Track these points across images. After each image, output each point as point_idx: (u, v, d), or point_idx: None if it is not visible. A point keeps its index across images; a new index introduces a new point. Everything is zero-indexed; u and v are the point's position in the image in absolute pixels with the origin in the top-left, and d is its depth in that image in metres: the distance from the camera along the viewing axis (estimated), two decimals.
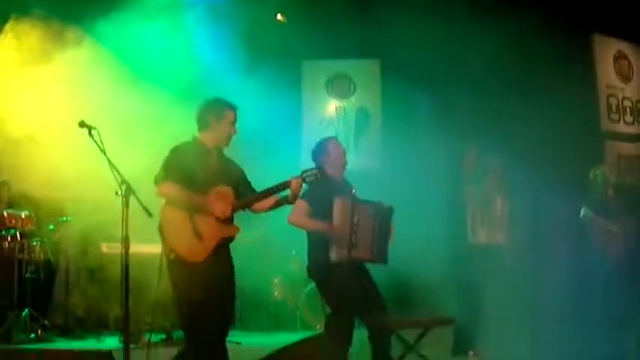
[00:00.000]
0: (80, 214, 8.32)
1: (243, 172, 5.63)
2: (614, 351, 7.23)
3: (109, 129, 5.07)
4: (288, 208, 6.03)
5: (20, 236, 8.54)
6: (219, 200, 5.22)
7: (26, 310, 8.34)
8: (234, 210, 5.37)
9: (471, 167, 7.49)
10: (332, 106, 11.55)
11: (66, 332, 8.73)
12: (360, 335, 6.29)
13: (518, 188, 7.87)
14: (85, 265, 9.18)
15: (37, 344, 7.96)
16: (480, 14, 9.31)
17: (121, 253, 4.75)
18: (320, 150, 6.46)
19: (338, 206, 6.06)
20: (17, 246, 8.50)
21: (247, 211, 5.64)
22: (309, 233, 6.28)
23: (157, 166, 5.28)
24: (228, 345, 8.74)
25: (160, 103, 7.45)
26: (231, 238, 5.41)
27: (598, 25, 11.39)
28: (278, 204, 5.62)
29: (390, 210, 6.30)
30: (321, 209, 6.13)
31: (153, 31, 8.36)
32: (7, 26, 7.86)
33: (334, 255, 6.06)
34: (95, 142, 4.81)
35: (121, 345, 4.86)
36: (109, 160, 4.76)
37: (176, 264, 5.17)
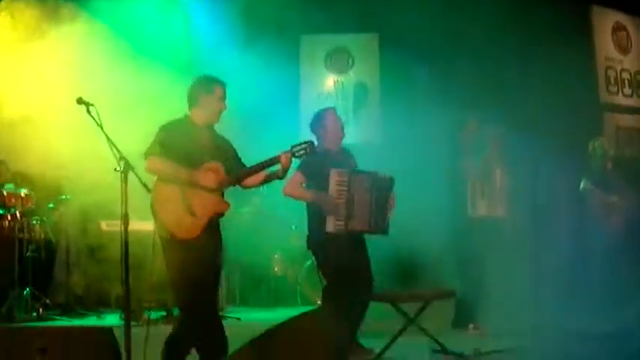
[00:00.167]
0: (79, 192, 8.31)
1: (233, 149, 5.63)
2: (614, 324, 7.24)
3: (107, 106, 5.04)
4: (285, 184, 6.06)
5: (20, 215, 8.53)
6: (207, 172, 5.23)
7: (27, 289, 8.36)
8: (224, 185, 5.38)
9: (471, 139, 7.46)
10: (330, 80, 11.51)
11: (67, 310, 8.75)
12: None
13: (517, 160, 7.85)
14: (85, 243, 9.19)
15: (39, 323, 7.98)
16: None
17: (121, 230, 4.74)
18: (317, 121, 6.45)
19: (333, 177, 6.07)
20: (17, 225, 8.49)
21: (238, 187, 5.64)
22: (308, 205, 6.28)
23: None
24: (227, 321, 8.82)
25: (158, 78, 7.42)
26: (222, 213, 5.41)
27: None
28: (268, 179, 5.63)
29: (389, 180, 6.29)
30: (317, 181, 6.14)
31: (150, 7, 8.31)
32: (2, 4, 7.80)
33: (330, 226, 6.07)
34: (93, 118, 4.77)
35: (122, 322, 4.85)
36: (107, 136, 4.74)
37: (170, 242, 5.17)
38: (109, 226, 8.23)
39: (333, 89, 11.46)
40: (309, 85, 11.43)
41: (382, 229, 6.28)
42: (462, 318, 7.43)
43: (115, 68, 7.47)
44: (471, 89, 9.53)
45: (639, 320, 7.44)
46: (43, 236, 8.78)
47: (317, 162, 6.10)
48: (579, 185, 8.59)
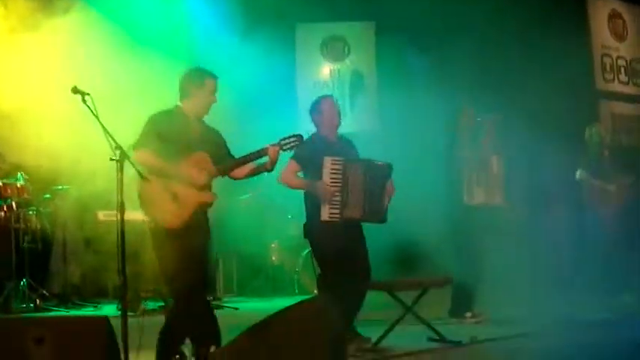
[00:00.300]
0: (75, 182, 8.29)
1: (223, 140, 5.63)
2: (610, 311, 7.26)
3: (103, 95, 5.02)
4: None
5: (16, 206, 8.52)
6: (194, 168, 5.23)
7: (24, 280, 8.35)
8: (212, 176, 5.38)
9: (467, 126, 7.45)
10: (326, 68, 11.52)
11: (64, 301, 8.75)
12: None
13: (514, 147, 7.84)
14: (81, 233, 9.18)
15: (36, 313, 7.98)
16: None
17: (117, 220, 4.73)
18: (314, 108, 6.44)
19: (327, 165, 6.06)
20: (14, 216, 8.48)
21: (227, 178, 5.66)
22: (305, 193, 6.28)
23: None
24: (225, 311, 8.83)
25: (154, 67, 7.39)
26: (208, 204, 5.41)
27: None
28: (256, 171, 5.64)
29: (386, 167, 6.27)
30: (313, 169, 6.13)
31: None
32: None
33: (324, 214, 6.07)
34: (89, 107, 4.75)
35: (119, 313, 4.85)
36: (102, 125, 4.72)
37: (156, 231, 5.18)
38: (106, 216, 8.23)
39: (329, 77, 11.47)
40: (305, 74, 11.43)
41: (378, 216, 6.27)
42: (459, 306, 7.43)
43: (111, 58, 7.43)
44: (467, 77, 9.52)
45: (635, 307, 7.46)
46: (39, 227, 8.77)
47: (312, 150, 6.11)
48: (575, 174, 8.61)
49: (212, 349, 5.11)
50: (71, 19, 7.27)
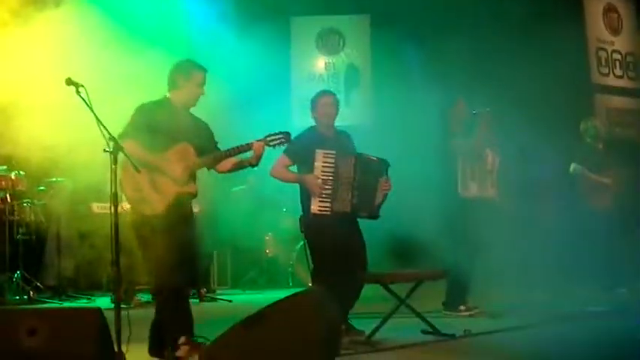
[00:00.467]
0: (70, 174, 8.29)
1: (210, 132, 5.64)
2: (606, 303, 7.28)
3: (96, 87, 5.01)
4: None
5: (11, 198, 8.51)
6: (175, 164, 5.24)
7: (18, 272, 8.34)
8: (193, 168, 5.38)
9: (460, 119, 7.45)
10: (321, 61, 11.51)
11: (58, 293, 8.75)
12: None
13: (508, 140, 7.85)
14: (75, 225, 9.17)
15: (30, 305, 7.97)
16: None
17: (110, 211, 4.73)
18: (311, 104, 6.45)
19: (319, 158, 6.08)
20: (7, 208, 8.47)
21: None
22: (300, 187, 6.28)
23: None
24: (219, 303, 8.83)
25: (148, 60, 7.38)
26: (190, 195, 5.42)
27: None
28: (240, 165, 5.64)
29: (379, 163, 6.25)
30: (305, 163, 6.15)
31: None
32: None
33: (314, 207, 6.08)
34: (83, 99, 4.74)
35: (113, 305, 4.85)
36: (96, 117, 4.71)
37: (137, 219, 5.19)
38: (100, 208, 8.22)
39: (324, 70, 11.47)
40: (299, 67, 11.43)
41: (369, 212, 6.26)
42: (453, 299, 7.44)
43: (105, 50, 7.42)
44: (462, 70, 9.52)
45: (631, 299, 7.47)
46: (33, 219, 8.77)
47: (306, 144, 6.14)
48: (569, 168, 8.62)
49: (181, 339, 5.13)
50: (65, 11, 7.25)
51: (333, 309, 4.67)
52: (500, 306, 7.36)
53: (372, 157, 6.28)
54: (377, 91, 11.08)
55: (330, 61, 11.48)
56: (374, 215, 6.30)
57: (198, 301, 8.90)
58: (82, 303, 8.46)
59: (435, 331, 6.15)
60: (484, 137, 7.35)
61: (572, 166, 8.61)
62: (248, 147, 5.44)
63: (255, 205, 10.15)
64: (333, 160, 6.08)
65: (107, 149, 4.71)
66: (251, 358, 4.11)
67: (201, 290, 9.05)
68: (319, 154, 6.08)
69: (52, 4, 7.29)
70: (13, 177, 8.52)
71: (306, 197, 6.21)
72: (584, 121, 8.84)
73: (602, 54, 11.91)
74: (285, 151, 6.07)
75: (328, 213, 6.07)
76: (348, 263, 6.12)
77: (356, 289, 6.23)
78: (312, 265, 6.30)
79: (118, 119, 5.28)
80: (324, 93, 6.56)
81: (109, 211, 4.79)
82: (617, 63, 12.06)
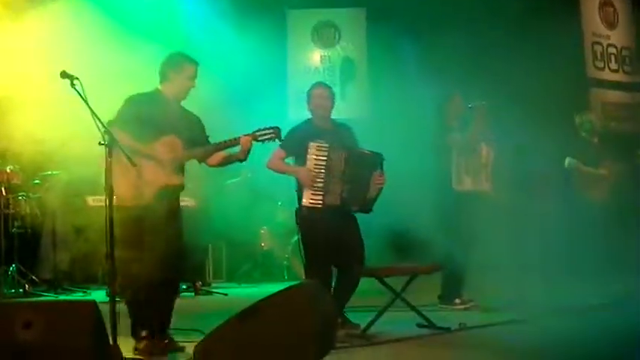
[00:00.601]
0: (65, 167, 8.27)
1: (201, 125, 5.64)
2: (601, 297, 7.28)
3: (91, 82, 5.00)
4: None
5: (6, 191, 8.50)
6: (162, 155, 5.24)
7: (14, 265, 8.33)
8: (182, 160, 5.38)
9: (456, 114, 7.44)
10: (317, 55, 11.50)
11: (54, 287, 8.74)
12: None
13: (503, 134, 7.85)
14: (71, 219, 9.15)
15: (25, 299, 7.97)
16: None
17: (105, 205, 4.72)
18: (307, 97, 6.45)
19: (312, 150, 6.08)
20: (3, 201, 8.46)
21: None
22: (296, 180, 6.28)
23: None
24: (214, 296, 8.83)
25: (144, 54, 7.36)
26: (177, 187, 5.42)
27: None
28: (228, 160, 5.65)
29: (374, 157, 6.24)
30: (300, 155, 6.15)
31: None
32: None
33: (305, 199, 6.08)
34: (77, 92, 4.73)
35: (107, 298, 4.84)
36: (91, 109, 4.70)
37: (120, 209, 5.14)
38: (95, 201, 8.21)
39: (319, 64, 11.46)
40: (295, 60, 11.42)
41: (361, 206, 6.24)
42: (449, 293, 7.45)
43: (99, 43, 7.40)
44: (458, 63, 9.52)
45: (627, 294, 7.48)
46: (28, 212, 8.75)
47: (301, 137, 6.16)
48: (564, 162, 8.61)
49: (143, 333, 5.16)
50: (59, 5, 7.23)
51: (328, 302, 4.68)
52: (496, 299, 7.37)
53: (366, 151, 6.28)
54: (373, 84, 11.07)
55: (326, 54, 11.47)
56: (366, 209, 6.29)
57: (193, 294, 8.92)
58: (77, 296, 8.46)
59: (431, 325, 6.15)
60: (479, 131, 7.34)
61: (567, 160, 8.60)
62: (236, 141, 5.44)
63: (249, 198, 10.14)
64: (325, 153, 6.08)
65: (102, 142, 4.71)
66: (246, 352, 4.12)
67: (197, 283, 9.07)
68: (312, 146, 6.08)
69: None
70: (8, 170, 8.50)
71: (301, 189, 6.21)
72: (579, 115, 8.83)
73: (598, 48, 11.91)
74: (280, 144, 6.07)
75: (320, 206, 6.07)
76: (342, 257, 6.12)
77: (352, 283, 6.23)
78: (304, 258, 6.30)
79: (113, 112, 5.29)
80: (318, 85, 6.56)
81: (104, 204, 4.79)
82: (613, 57, 12.06)
